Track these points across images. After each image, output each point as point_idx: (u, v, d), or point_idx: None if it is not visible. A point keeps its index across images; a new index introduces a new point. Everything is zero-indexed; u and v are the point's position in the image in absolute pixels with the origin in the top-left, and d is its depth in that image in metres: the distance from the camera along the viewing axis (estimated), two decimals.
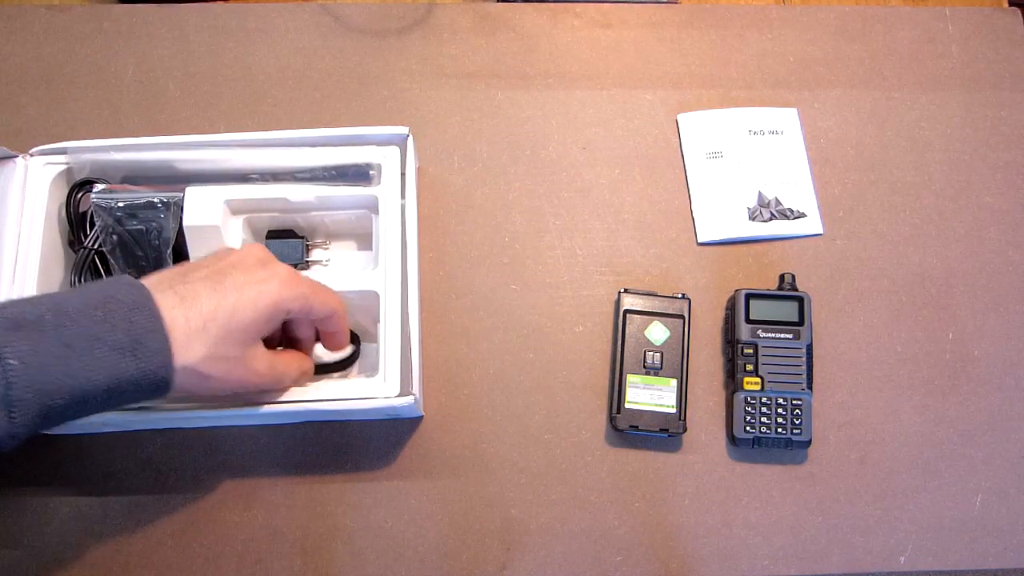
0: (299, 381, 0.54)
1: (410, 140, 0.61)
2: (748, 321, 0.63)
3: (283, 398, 0.55)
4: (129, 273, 0.54)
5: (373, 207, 0.61)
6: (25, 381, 0.37)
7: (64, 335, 0.38)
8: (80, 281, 0.58)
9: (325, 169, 0.61)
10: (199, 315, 0.43)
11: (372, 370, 0.56)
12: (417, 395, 0.56)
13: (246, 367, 0.47)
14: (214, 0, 0.77)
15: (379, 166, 0.60)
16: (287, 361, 0.52)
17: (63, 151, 0.59)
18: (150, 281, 0.44)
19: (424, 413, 0.63)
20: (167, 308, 0.42)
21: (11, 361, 0.37)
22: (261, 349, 0.48)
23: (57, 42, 0.73)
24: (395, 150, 0.61)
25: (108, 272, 0.59)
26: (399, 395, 0.54)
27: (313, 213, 0.62)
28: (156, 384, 0.42)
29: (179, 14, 0.74)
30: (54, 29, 0.73)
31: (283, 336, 0.55)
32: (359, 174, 0.61)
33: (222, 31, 0.74)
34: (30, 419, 0.38)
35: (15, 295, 0.56)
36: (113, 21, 0.74)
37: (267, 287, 0.46)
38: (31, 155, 0.60)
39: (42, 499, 0.60)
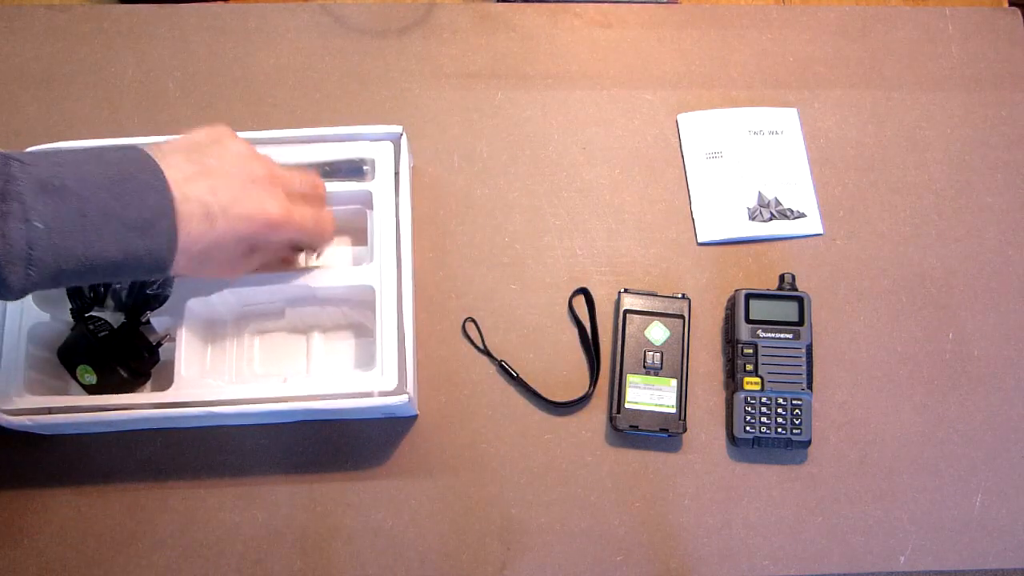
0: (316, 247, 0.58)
1: (403, 138, 0.61)
2: (748, 321, 0.63)
3: (280, 395, 0.55)
4: None
5: (367, 202, 0.61)
6: (46, 243, 0.40)
7: (84, 206, 0.41)
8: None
9: (319, 165, 0.61)
10: (191, 234, 0.46)
11: (369, 364, 0.56)
12: (411, 393, 0.56)
13: (234, 270, 0.52)
14: (214, 0, 0.77)
15: (372, 161, 0.61)
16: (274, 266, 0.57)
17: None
18: (165, 161, 0.46)
19: (419, 412, 0.63)
20: (179, 198, 0.45)
21: (37, 224, 0.40)
22: (247, 259, 0.52)
23: (57, 42, 0.73)
24: (388, 145, 0.61)
25: None
26: (395, 390, 0.54)
27: None
28: (158, 263, 0.45)
29: (179, 14, 0.74)
30: (54, 29, 0.73)
31: None
32: (353, 170, 0.62)
33: (222, 31, 0.74)
34: (43, 278, 0.41)
35: None
36: (113, 21, 0.74)
37: (255, 223, 0.49)
38: None
39: (42, 499, 0.60)
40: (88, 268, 0.42)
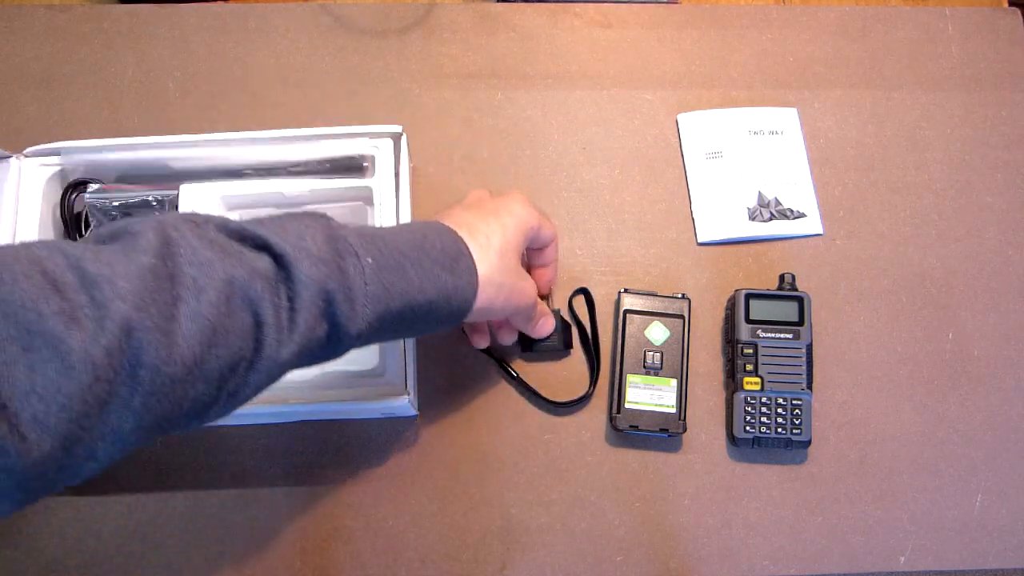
0: (538, 318, 0.59)
1: (403, 138, 0.61)
2: (748, 321, 0.63)
3: (280, 396, 0.55)
4: None
5: (368, 199, 0.61)
6: (376, 280, 0.42)
7: (399, 246, 0.44)
8: None
9: (320, 162, 0.61)
10: (481, 237, 0.49)
11: (371, 363, 0.56)
12: (411, 393, 0.56)
13: (522, 277, 0.53)
14: (214, 0, 0.77)
15: (372, 158, 0.61)
16: (535, 284, 0.58)
17: (57, 152, 0.59)
18: (443, 216, 0.51)
19: (419, 412, 0.63)
20: (461, 235, 0.49)
21: (368, 260, 0.42)
22: (523, 268, 0.54)
23: (57, 42, 0.73)
24: (388, 142, 0.61)
25: None
26: (395, 389, 0.54)
27: (308, 206, 0.62)
28: (464, 299, 0.47)
29: (179, 14, 0.74)
30: (54, 29, 0.73)
31: None
32: (353, 166, 0.62)
33: (222, 31, 0.74)
34: (371, 319, 0.42)
35: None
36: (113, 21, 0.74)
37: (514, 207, 0.53)
38: (25, 155, 0.60)
39: (42, 499, 0.60)
40: (407, 308, 0.44)
